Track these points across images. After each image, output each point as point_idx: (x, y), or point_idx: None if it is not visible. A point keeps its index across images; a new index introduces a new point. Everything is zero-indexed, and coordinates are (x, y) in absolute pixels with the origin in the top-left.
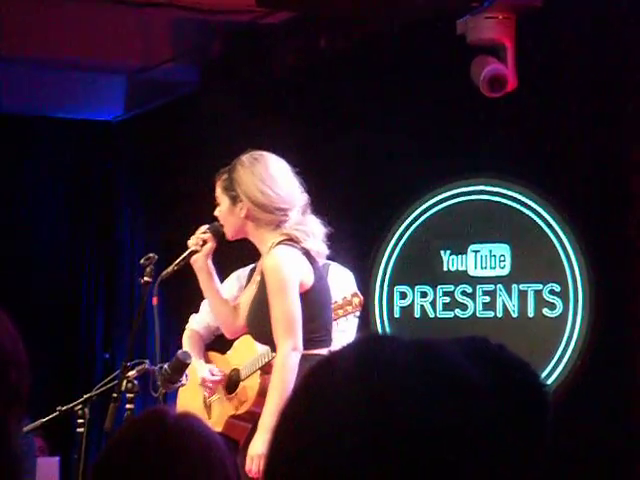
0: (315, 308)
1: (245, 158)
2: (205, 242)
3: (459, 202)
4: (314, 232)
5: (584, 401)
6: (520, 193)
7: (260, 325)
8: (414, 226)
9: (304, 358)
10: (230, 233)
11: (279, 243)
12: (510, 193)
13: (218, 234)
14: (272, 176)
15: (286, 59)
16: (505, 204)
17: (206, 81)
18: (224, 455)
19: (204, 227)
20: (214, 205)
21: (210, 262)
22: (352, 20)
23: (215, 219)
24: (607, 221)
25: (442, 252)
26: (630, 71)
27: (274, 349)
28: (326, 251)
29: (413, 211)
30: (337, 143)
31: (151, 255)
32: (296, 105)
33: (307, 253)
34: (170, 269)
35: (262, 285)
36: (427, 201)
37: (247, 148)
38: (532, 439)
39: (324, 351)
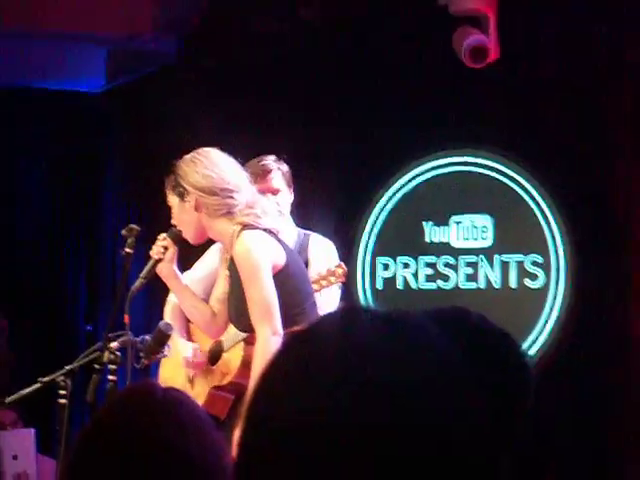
0: (291, 285)
1: (187, 156)
2: (166, 249)
3: (441, 174)
4: (265, 210)
5: (566, 371)
6: (502, 164)
7: (242, 315)
8: (396, 197)
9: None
10: (190, 234)
11: (242, 230)
12: (492, 164)
13: (177, 238)
14: (213, 162)
15: (266, 29)
16: (487, 175)
17: (187, 52)
18: (213, 428)
19: (162, 235)
20: None
21: (175, 267)
22: None
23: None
24: (588, 191)
25: (424, 223)
26: (612, 41)
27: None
28: (285, 228)
29: (395, 182)
30: (319, 114)
31: (133, 226)
32: (276, 76)
33: (271, 232)
34: (138, 283)
35: (234, 276)
36: (409, 172)
37: (228, 121)
38: (514, 404)
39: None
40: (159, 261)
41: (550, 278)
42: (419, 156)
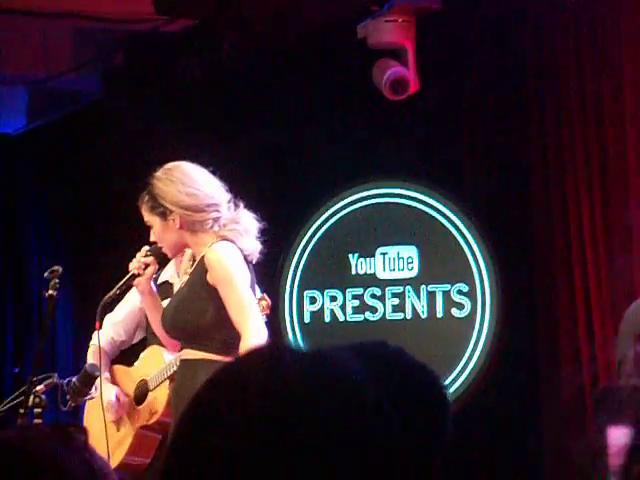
0: None
1: (159, 172)
2: (147, 265)
3: (366, 205)
4: (247, 229)
5: (493, 399)
6: (426, 195)
7: (189, 322)
8: (322, 230)
9: (218, 364)
10: (171, 251)
11: (218, 241)
12: (416, 195)
13: (159, 256)
14: (191, 178)
15: (189, 66)
16: (411, 206)
17: (109, 90)
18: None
19: (145, 249)
20: (118, 213)
21: (152, 284)
22: (254, 26)
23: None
24: (511, 221)
25: (350, 255)
26: (528, 73)
27: (202, 347)
28: (259, 248)
29: (321, 215)
30: (242, 148)
31: (55, 268)
32: (201, 110)
33: (243, 253)
34: (112, 293)
35: (194, 281)
36: (334, 205)
37: (152, 155)
38: (432, 437)
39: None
40: (137, 275)
41: (476, 307)
42: (343, 189)
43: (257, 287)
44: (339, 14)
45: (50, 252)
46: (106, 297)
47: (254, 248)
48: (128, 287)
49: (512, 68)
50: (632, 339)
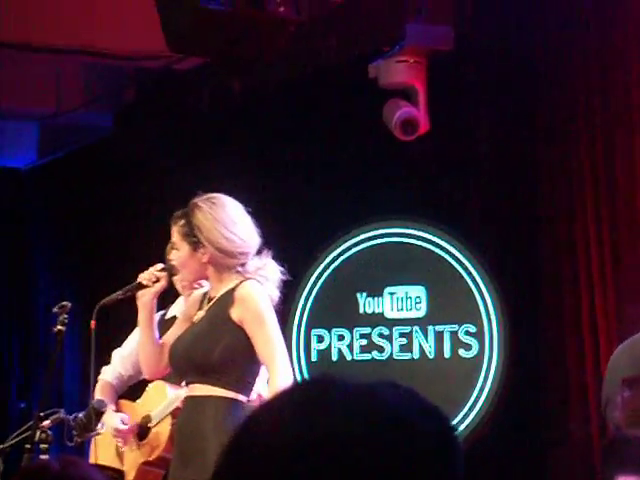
0: (254, 352)
1: (202, 203)
2: (158, 280)
3: (374, 245)
4: (270, 278)
5: (499, 442)
6: (434, 235)
7: (202, 356)
8: (330, 269)
9: (230, 402)
10: (190, 277)
11: (247, 279)
12: (424, 235)
13: (171, 275)
14: (233, 220)
15: (200, 103)
16: (420, 246)
17: (119, 127)
18: None
19: (160, 265)
20: (128, 250)
21: (154, 300)
22: (265, 64)
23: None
24: (519, 262)
25: (358, 294)
26: (539, 115)
27: (213, 382)
28: (276, 299)
29: (329, 254)
30: (251, 187)
31: (65, 303)
32: (211, 147)
33: None
34: (114, 296)
35: (215, 316)
36: (342, 243)
37: (162, 192)
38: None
39: (244, 397)
40: (143, 287)
41: (484, 347)
42: (351, 228)
43: None
44: (350, 54)
45: (58, 286)
46: (107, 299)
47: (273, 298)
48: (130, 296)
49: (522, 110)
50: (618, 385)
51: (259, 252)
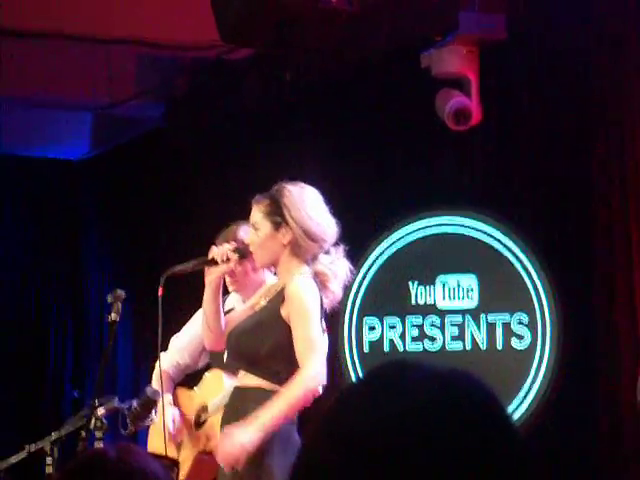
0: None
1: (290, 185)
2: (229, 260)
3: (427, 234)
4: (339, 275)
5: (553, 431)
6: (487, 224)
7: (252, 347)
8: (382, 258)
9: (274, 395)
10: (264, 260)
11: (303, 275)
12: (477, 225)
13: (243, 257)
14: (321, 207)
15: (251, 94)
16: (472, 236)
17: (171, 118)
18: None
19: (233, 244)
20: (180, 240)
21: (221, 280)
22: (317, 55)
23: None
24: (573, 251)
25: (410, 284)
26: (594, 103)
27: (259, 373)
28: (339, 298)
29: (381, 243)
30: (305, 177)
31: (118, 292)
32: (262, 138)
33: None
34: (183, 267)
35: (271, 309)
36: (394, 233)
37: (213, 183)
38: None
39: None
40: (213, 263)
41: (536, 338)
42: (405, 218)
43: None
44: (402, 43)
45: (111, 276)
46: (177, 268)
47: (337, 295)
48: (200, 269)
49: (576, 99)
50: None
51: (328, 250)
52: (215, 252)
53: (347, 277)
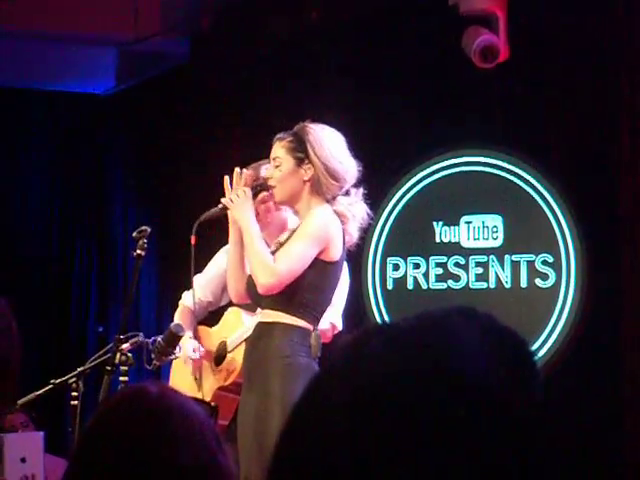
0: (327, 283)
1: (314, 125)
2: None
3: (451, 174)
4: (357, 216)
5: (576, 371)
6: (511, 164)
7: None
8: (407, 197)
9: (298, 329)
10: (284, 195)
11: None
12: (502, 164)
13: (263, 191)
14: (343, 147)
15: (277, 32)
16: (497, 175)
17: (197, 54)
18: (207, 431)
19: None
20: (205, 177)
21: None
22: None
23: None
24: (599, 191)
25: (435, 223)
26: (622, 41)
27: (278, 307)
28: (355, 240)
29: (405, 182)
30: (330, 116)
31: (144, 228)
32: (288, 75)
33: (344, 230)
34: (210, 213)
35: (287, 241)
36: (419, 173)
37: (238, 121)
38: (526, 402)
39: (311, 326)
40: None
41: (561, 278)
42: (429, 156)
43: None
44: None
45: (135, 213)
46: (205, 215)
47: (353, 237)
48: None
49: (604, 37)
50: None
51: (347, 192)
52: (231, 194)
53: (365, 220)
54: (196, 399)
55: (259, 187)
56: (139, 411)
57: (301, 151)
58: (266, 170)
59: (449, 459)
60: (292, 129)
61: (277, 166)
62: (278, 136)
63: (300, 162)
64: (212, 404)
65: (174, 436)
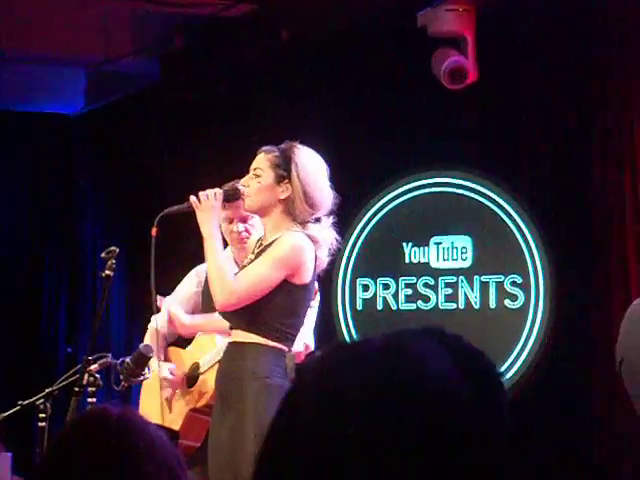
0: (299, 306)
1: (302, 147)
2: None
3: (420, 194)
4: (326, 242)
5: (545, 392)
6: (481, 185)
7: (250, 304)
8: (376, 218)
9: (272, 350)
10: (254, 206)
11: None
12: (471, 185)
13: (233, 199)
14: (325, 175)
15: (247, 52)
16: (467, 196)
17: (167, 74)
18: (169, 451)
19: (219, 190)
20: (175, 196)
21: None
22: (313, 13)
23: None
24: (568, 213)
25: (404, 244)
26: (590, 63)
27: (255, 330)
28: (323, 266)
29: (375, 203)
30: (299, 136)
31: (112, 248)
32: (258, 95)
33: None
34: (177, 207)
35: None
36: (389, 193)
37: (207, 140)
38: (492, 424)
39: (286, 348)
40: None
41: (529, 298)
42: (398, 178)
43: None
44: (399, 2)
45: (105, 233)
46: (172, 209)
47: (322, 262)
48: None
49: (573, 59)
50: None
51: (318, 219)
52: (201, 193)
53: (334, 246)
54: (158, 425)
55: (232, 192)
56: (102, 429)
57: (285, 169)
58: (244, 179)
59: (408, 470)
60: (273, 147)
61: (257, 176)
62: (264, 148)
63: (280, 179)
64: (174, 429)
65: (136, 452)
